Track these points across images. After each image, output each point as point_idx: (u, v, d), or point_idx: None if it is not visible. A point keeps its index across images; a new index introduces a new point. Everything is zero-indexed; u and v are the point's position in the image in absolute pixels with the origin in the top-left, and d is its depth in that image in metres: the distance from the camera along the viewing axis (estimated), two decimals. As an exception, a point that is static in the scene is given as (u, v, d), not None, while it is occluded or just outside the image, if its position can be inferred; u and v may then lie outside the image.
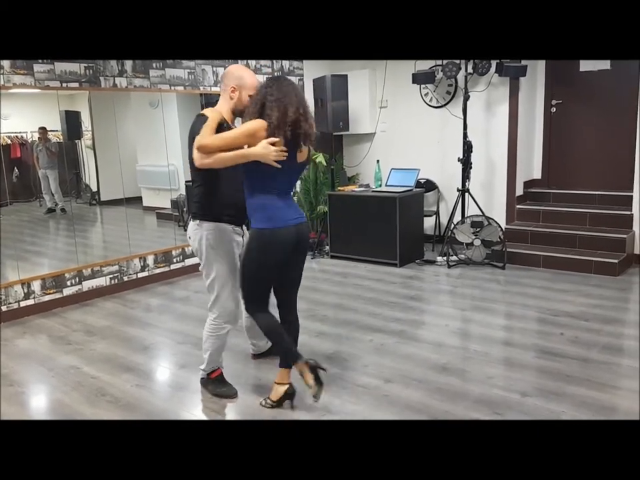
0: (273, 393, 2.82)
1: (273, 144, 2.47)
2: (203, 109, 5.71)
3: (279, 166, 2.51)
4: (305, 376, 2.68)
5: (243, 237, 2.95)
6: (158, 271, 5.29)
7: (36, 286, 4.47)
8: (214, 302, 2.92)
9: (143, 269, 5.18)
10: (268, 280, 2.76)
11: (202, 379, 3.09)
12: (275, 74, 6.14)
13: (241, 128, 2.54)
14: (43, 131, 5.04)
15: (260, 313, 2.76)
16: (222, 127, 2.66)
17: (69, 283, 4.67)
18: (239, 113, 2.81)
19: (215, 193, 2.76)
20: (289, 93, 2.53)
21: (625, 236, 4.99)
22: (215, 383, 3.03)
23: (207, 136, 2.50)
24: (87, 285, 4.79)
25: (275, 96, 2.51)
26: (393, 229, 5.31)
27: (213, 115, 2.66)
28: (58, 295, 4.61)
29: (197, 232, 2.81)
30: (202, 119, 2.65)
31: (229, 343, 3.69)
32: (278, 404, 2.81)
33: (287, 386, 2.80)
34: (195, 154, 2.55)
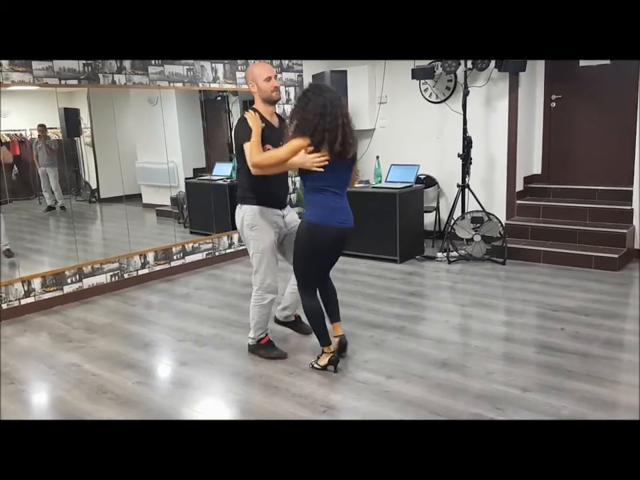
0: (321, 359, 3.20)
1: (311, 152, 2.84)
2: (202, 106, 5.78)
3: (322, 169, 2.83)
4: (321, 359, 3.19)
5: (284, 217, 3.28)
6: (158, 268, 5.29)
7: (36, 284, 4.47)
8: (255, 275, 3.26)
9: (143, 266, 5.18)
10: (315, 267, 3.09)
11: (251, 345, 3.42)
12: (275, 70, 6.12)
13: (288, 147, 2.87)
14: (42, 128, 5.04)
15: (307, 297, 3.11)
16: (264, 133, 3.02)
17: (69, 281, 4.67)
18: (270, 101, 3.17)
19: (255, 180, 3.07)
20: (336, 118, 2.82)
21: (625, 231, 4.99)
22: (266, 348, 3.38)
23: (256, 155, 2.92)
24: (87, 282, 4.79)
25: (319, 119, 2.79)
26: (392, 225, 5.31)
27: (253, 122, 3.00)
28: (58, 293, 4.61)
29: (239, 214, 3.22)
30: (243, 122, 3.03)
31: (231, 340, 3.70)
32: (338, 353, 3.18)
33: (341, 335, 3.22)
34: (251, 168, 2.96)
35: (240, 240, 5.98)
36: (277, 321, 3.68)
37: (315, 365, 3.21)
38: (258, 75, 3.11)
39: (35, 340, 3.89)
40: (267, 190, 3.15)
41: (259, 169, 2.93)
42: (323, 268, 3.15)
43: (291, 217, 3.34)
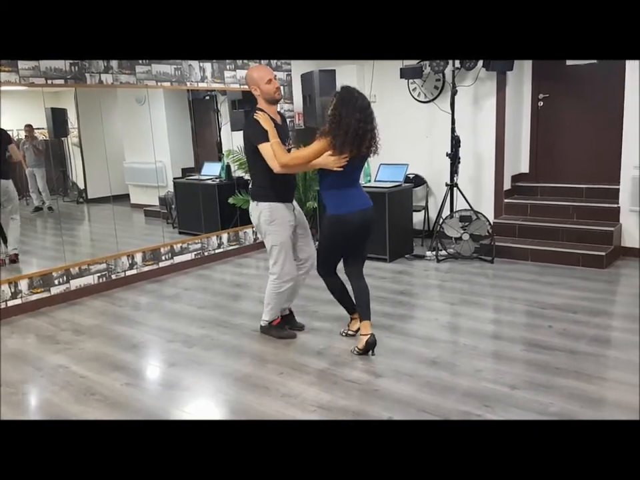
0: (359, 343, 3.37)
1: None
2: (190, 105, 5.75)
3: (341, 169, 3.08)
4: (352, 325, 3.60)
5: (294, 210, 3.52)
6: (146, 268, 5.26)
7: (23, 285, 4.43)
8: (274, 266, 3.48)
9: (131, 267, 5.15)
10: (338, 253, 3.41)
11: (263, 327, 3.68)
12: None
13: (313, 147, 3.10)
14: (29, 128, 4.99)
15: (329, 276, 3.46)
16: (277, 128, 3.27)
17: (56, 282, 4.63)
18: (273, 101, 3.37)
19: (267, 179, 3.31)
20: (367, 123, 3.07)
21: (612, 229, 5.04)
22: (277, 329, 3.67)
23: (283, 155, 3.16)
24: (75, 283, 4.75)
25: (344, 122, 3.00)
26: (382, 224, 5.31)
27: (267, 124, 3.21)
28: (45, 294, 4.57)
29: (256, 210, 3.43)
30: (255, 124, 3.23)
31: (220, 340, 3.69)
32: (364, 352, 3.33)
33: (368, 335, 3.33)
34: (276, 166, 3.20)
35: (230, 240, 5.97)
36: (284, 326, 3.75)
37: (355, 351, 3.37)
38: (259, 78, 3.30)
39: (22, 342, 3.85)
40: (280, 186, 3.38)
41: (286, 169, 3.20)
42: (347, 252, 3.40)
43: (299, 209, 3.61)
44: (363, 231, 3.29)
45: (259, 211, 3.40)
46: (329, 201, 3.25)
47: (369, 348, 3.33)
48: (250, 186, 3.56)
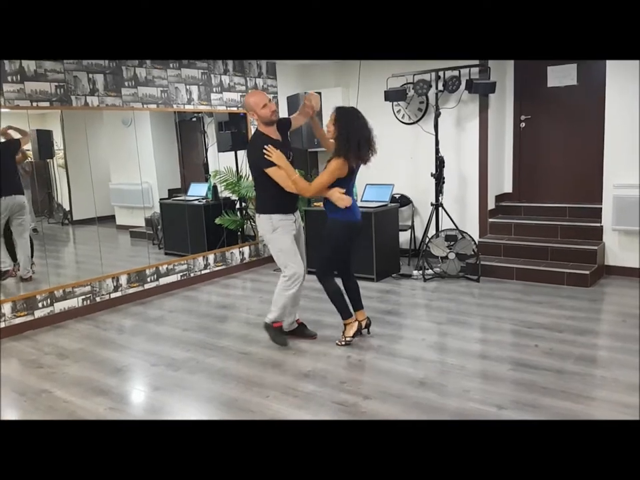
0: (348, 331, 3.82)
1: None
2: (176, 127, 5.77)
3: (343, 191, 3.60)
4: (347, 331, 3.85)
5: (295, 221, 3.78)
6: (131, 290, 5.21)
7: (6, 308, 4.37)
8: (285, 269, 3.72)
9: (115, 289, 5.10)
10: (342, 254, 3.79)
11: (267, 323, 3.84)
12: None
13: (329, 170, 3.53)
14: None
15: (329, 281, 3.77)
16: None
17: (40, 305, 4.57)
18: (270, 123, 3.62)
19: (271, 193, 3.63)
20: (362, 136, 3.53)
21: (595, 247, 5.10)
22: (275, 331, 3.83)
23: (304, 187, 3.58)
24: (59, 306, 4.69)
25: (352, 139, 3.48)
26: (369, 244, 5.34)
27: (280, 160, 3.52)
28: (29, 317, 4.50)
29: (260, 221, 3.73)
30: (258, 147, 3.54)
31: (206, 363, 3.65)
32: (354, 336, 3.82)
33: (365, 319, 3.94)
34: (289, 186, 3.57)
35: (216, 260, 5.95)
36: (285, 332, 3.95)
37: (344, 340, 3.80)
38: (255, 104, 3.54)
39: (5, 366, 3.78)
40: (282, 199, 3.65)
41: (309, 195, 3.74)
42: (347, 254, 3.82)
43: (299, 220, 3.89)
44: (360, 235, 3.86)
45: (263, 221, 3.70)
46: (339, 208, 3.60)
47: (367, 326, 3.93)
48: (255, 201, 3.91)
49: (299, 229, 3.87)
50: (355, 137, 3.47)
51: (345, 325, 3.83)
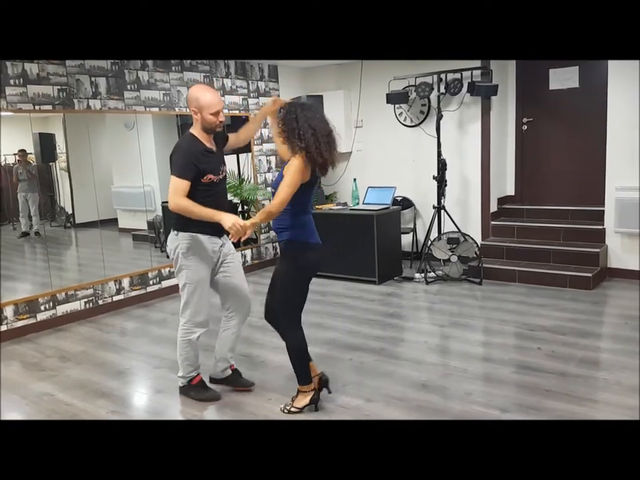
0: (298, 400, 2.96)
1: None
2: (179, 130, 5.78)
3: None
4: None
5: (222, 246, 3.07)
6: (134, 293, 5.22)
7: (9, 311, 4.37)
8: (183, 307, 3.04)
9: (118, 292, 5.10)
10: (304, 290, 2.89)
11: (181, 387, 3.19)
12: (251, 94, 6.18)
13: (291, 171, 2.66)
14: (22, 153, 4.96)
15: (294, 330, 2.89)
16: (204, 161, 2.90)
17: (42, 308, 4.58)
18: (210, 131, 2.97)
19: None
20: (316, 127, 2.69)
21: (598, 250, 5.09)
22: (197, 389, 3.16)
23: (275, 209, 2.66)
24: (61, 309, 4.70)
25: (309, 131, 2.65)
26: (371, 247, 5.34)
27: (237, 229, 2.68)
28: (32, 320, 4.51)
29: (174, 241, 2.98)
30: (180, 153, 2.89)
31: (207, 366, 3.64)
32: (300, 410, 2.95)
33: (312, 393, 2.95)
34: (173, 202, 2.82)
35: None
36: (213, 380, 3.27)
37: (292, 409, 2.93)
38: (206, 106, 2.87)
39: (7, 369, 3.78)
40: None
41: (276, 210, 2.68)
42: (305, 293, 2.90)
43: (228, 247, 3.12)
44: (319, 266, 2.91)
45: (178, 242, 2.95)
46: (295, 228, 2.79)
47: (325, 385, 3.00)
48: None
49: (226, 260, 3.10)
50: (305, 126, 2.65)
51: (300, 392, 2.94)
